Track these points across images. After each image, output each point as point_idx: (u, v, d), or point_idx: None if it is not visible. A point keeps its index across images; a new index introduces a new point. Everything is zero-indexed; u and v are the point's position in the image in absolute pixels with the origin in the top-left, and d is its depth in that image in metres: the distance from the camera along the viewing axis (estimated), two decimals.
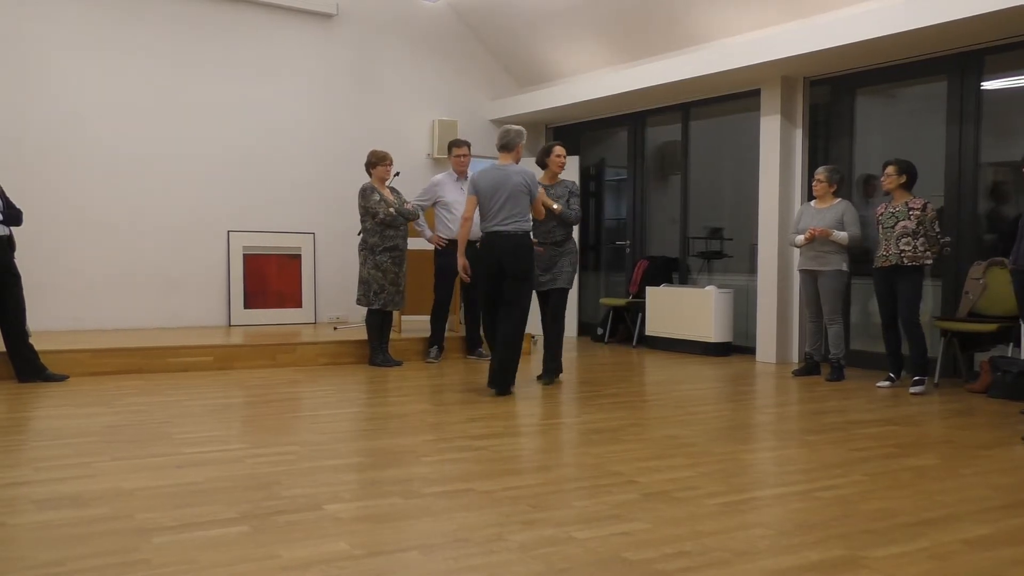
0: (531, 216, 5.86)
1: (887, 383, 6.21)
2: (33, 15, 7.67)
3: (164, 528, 2.81)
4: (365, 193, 6.86)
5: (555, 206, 6.05)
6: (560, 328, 6.15)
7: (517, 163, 5.95)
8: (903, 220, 5.98)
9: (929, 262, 5.98)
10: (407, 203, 7.03)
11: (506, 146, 5.94)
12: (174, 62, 8.23)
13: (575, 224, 6.24)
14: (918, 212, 5.96)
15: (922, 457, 4.03)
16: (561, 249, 6.14)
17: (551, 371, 6.17)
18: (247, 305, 8.54)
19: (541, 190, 5.94)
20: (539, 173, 6.32)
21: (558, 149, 6.24)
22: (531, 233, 5.85)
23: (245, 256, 8.56)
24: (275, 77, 8.73)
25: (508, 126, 5.98)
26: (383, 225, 6.80)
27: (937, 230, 5.98)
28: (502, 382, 5.64)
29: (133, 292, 8.04)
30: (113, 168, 7.98)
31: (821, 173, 6.62)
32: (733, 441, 4.34)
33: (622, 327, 9.27)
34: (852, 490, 3.41)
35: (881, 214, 6.14)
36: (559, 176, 6.27)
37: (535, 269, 5.94)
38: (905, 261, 5.95)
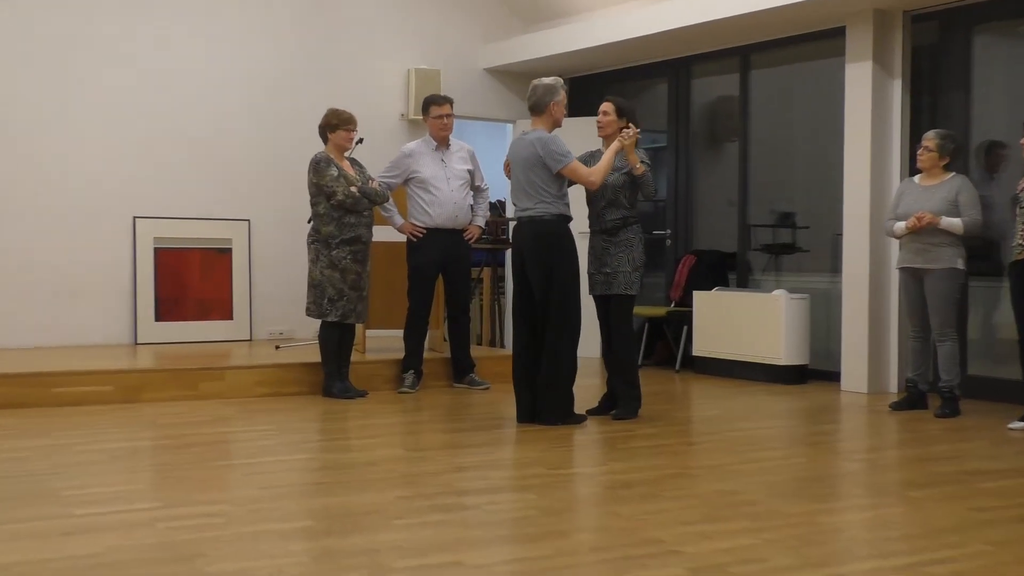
0: (562, 194, 5.95)
1: (1023, 424, 6.10)
2: None
3: None
4: (319, 166, 6.86)
5: (638, 164, 5.97)
6: (624, 346, 6.15)
7: (555, 127, 6.00)
8: None
9: None
10: (372, 180, 7.05)
11: (534, 107, 6.04)
12: (64, 1, 8.24)
13: (648, 199, 6.17)
14: None
15: None
16: (613, 240, 6.12)
17: (624, 403, 6.17)
18: (159, 316, 8.54)
19: (618, 146, 5.94)
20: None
21: (603, 106, 6.21)
22: (563, 216, 5.95)
23: (157, 251, 8.57)
24: (200, 20, 8.72)
25: (537, 81, 6.01)
26: (342, 209, 6.81)
27: None
28: (528, 410, 5.91)
29: (7, 300, 8.03)
30: None
31: (930, 140, 6.60)
32: (809, 498, 4.34)
33: (661, 344, 9.27)
34: (971, 563, 3.41)
35: (1021, 191, 6.09)
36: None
37: (572, 266, 5.95)
38: None
